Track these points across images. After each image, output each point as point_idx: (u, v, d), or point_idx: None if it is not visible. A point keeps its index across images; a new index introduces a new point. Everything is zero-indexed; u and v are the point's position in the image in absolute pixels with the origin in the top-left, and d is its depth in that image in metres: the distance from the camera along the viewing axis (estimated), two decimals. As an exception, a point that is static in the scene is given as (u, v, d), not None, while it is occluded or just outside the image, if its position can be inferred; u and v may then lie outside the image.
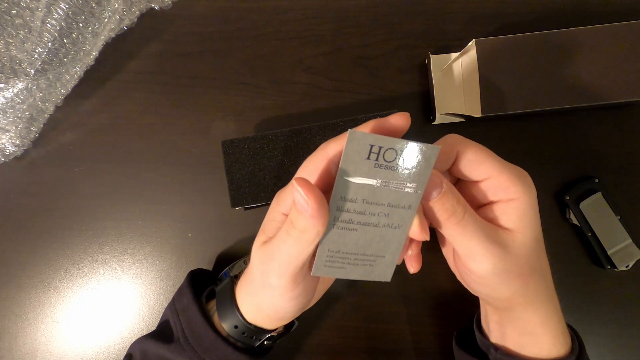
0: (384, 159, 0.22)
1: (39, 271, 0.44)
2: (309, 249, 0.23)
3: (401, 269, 0.42)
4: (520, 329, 0.29)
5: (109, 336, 0.43)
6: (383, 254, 0.25)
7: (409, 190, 0.23)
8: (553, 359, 0.28)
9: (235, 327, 0.31)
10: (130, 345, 0.35)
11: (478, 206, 0.28)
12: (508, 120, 0.42)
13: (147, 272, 0.43)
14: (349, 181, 0.22)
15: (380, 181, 0.22)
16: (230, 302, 0.31)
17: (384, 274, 0.26)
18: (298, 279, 0.26)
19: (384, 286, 0.42)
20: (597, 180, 0.40)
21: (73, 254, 0.43)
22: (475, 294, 0.30)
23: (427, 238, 0.24)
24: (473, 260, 0.25)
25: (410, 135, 0.42)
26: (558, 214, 0.42)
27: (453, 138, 0.26)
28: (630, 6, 0.42)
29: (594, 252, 0.40)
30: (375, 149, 0.21)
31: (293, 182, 0.22)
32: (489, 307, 0.32)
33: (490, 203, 0.27)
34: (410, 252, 0.27)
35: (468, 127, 0.42)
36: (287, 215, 0.26)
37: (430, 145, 0.22)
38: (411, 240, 0.27)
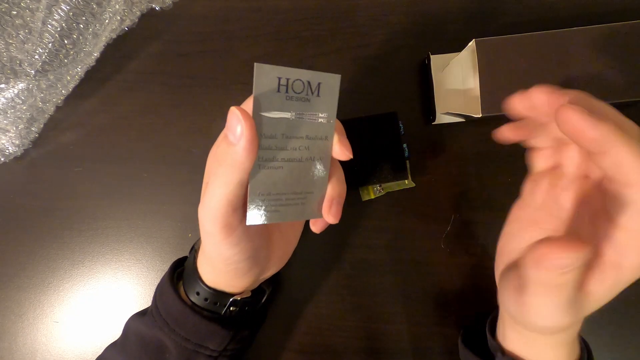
0: (294, 91, 0.23)
1: (39, 271, 0.44)
2: (237, 188, 0.23)
3: (402, 269, 0.42)
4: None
5: (109, 336, 0.43)
6: (311, 189, 0.26)
7: (322, 120, 0.24)
8: None
9: (198, 293, 0.30)
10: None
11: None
12: (508, 120, 0.42)
13: (147, 272, 0.43)
14: (265, 116, 0.23)
15: (294, 114, 0.23)
16: (192, 270, 0.31)
17: (315, 211, 0.27)
18: (232, 223, 0.24)
19: (384, 286, 0.42)
20: (597, 180, 0.40)
21: (73, 254, 0.44)
22: (510, 315, 0.27)
23: (351, 156, 0.25)
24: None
25: (412, 135, 0.42)
26: (558, 214, 0.42)
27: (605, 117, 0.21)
28: (630, 6, 0.42)
29: (594, 252, 0.40)
30: (283, 81, 0.22)
31: (234, 109, 0.21)
32: (510, 320, 0.30)
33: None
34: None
35: (468, 127, 0.42)
36: None
37: (330, 74, 0.24)
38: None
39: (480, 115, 0.37)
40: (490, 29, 0.43)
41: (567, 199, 0.26)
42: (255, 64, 0.21)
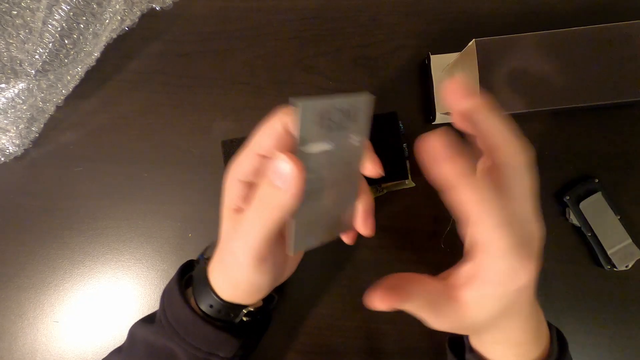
0: (332, 121, 0.22)
1: (38, 271, 0.44)
2: (278, 226, 0.23)
3: (402, 269, 0.42)
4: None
5: (109, 336, 0.43)
6: (345, 209, 0.27)
7: (354, 143, 0.24)
8: None
9: (211, 306, 0.31)
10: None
11: None
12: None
13: (147, 272, 0.43)
14: (309, 153, 0.22)
15: (334, 144, 0.23)
16: (204, 283, 0.31)
17: (348, 225, 0.28)
18: (267, 255, 0.26)
19: (384, 286, 0.42)
20: (597, 180, 0.40)
21: (73, 254, 0.43)
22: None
23: (382, 173, 0.26)
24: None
25: (412, 135, 0.42)
26: (558, 214, 0.42)
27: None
28: (630, 6, 0.42)
29: (594, 252, 0.40)
30: (324, 114, 0.22)
31: (282, 155, 0.21)
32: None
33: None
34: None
35: (468, 127, 0.42)
36: (244, 185, 0.27)
37: (364, 97, 0.23)
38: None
39: (480, 115, 0.37)
40: (490, 29, 0.43)
41: None
42: (298, 102, 0.20)
